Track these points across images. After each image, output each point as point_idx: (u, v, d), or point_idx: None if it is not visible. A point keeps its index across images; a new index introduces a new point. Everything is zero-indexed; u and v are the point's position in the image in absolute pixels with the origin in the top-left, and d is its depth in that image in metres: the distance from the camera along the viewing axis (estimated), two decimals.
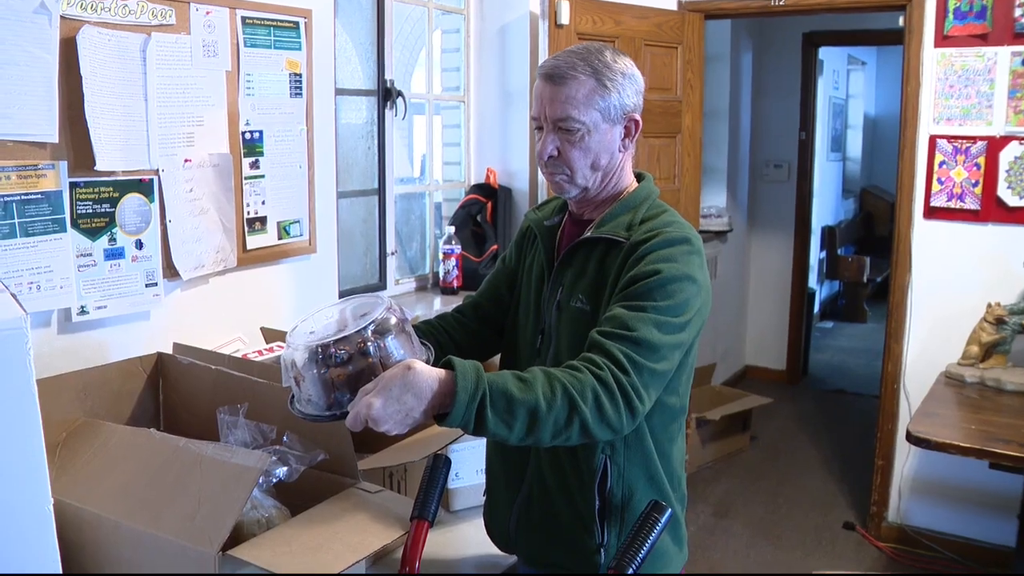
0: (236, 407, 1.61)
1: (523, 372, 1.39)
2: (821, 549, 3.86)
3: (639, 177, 1.70)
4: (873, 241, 8.94)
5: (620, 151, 1.62)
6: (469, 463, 2.11)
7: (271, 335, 2.32)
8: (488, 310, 1.81)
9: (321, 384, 1.36)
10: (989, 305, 3.43)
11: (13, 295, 1.32)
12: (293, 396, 1.46)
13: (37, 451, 1.21)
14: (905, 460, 3.81)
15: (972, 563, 3.59)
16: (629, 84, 1.59)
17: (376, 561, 1.69)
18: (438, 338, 1.74)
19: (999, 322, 3.40)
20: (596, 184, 1.62)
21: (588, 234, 1.61)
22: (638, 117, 1.63)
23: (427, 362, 1.40)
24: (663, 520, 1.38)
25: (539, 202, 3.54)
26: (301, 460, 1.58)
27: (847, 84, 8.77)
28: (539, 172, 3.53)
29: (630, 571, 1.34)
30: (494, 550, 1.91)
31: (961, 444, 2.77)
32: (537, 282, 1.70)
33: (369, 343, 1.35)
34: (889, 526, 3.89)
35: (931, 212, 3.67)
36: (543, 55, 3.45)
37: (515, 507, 1.70)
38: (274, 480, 1.55)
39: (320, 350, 1.35)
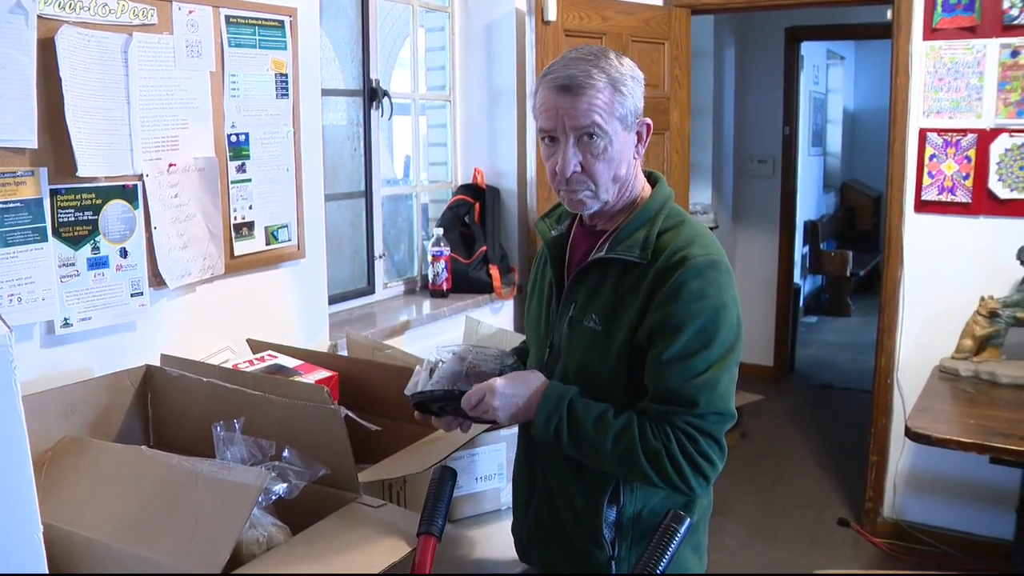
0: (232, 422, 1.54)
1: (610, 410, 1.49)
2: (817, 547, 3.83)
3: (650, 177, 1.64)
4: (855, 235, 8.96)
5: (635, 158, 1.57)
6: (468, 472, 2.06)
7: (258, 346, 2.25)
8: None
9: (456, 373, 1.60)
10: (982, 298, 3.41)
11: None
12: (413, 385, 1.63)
13: (25, 476, 1.15)
14: (900, 455, 3.78)
15: (969, 557, 3.57)
16: (638, 87, 1.54)
17: None
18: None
19: (992, 315, 3.38)
20: (614, 196, 1.56)
21: (602, 254, 1.55)
22: (649, 120, 1.59)
23: None
24: (682, 531, 1.33)
25: (530, 200, 3.50)
26: (301, 476, 1.52)
27: (827, 79, 8.77)
28: (528, 172, 3.49)
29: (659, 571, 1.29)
30: (497, 556, 1.87)
31: (962, 439, 2.75)
32: (548, 295, 1.67)
33: (504, 363, 1.63)
34: (885, 522, 3.86)
35: (922, 206, 3.65)
36: (530, 52, 3.40)
37: (527, 520, 1.65)
38: (273, 497, 1.49)
39: (473, 349, 1.65)
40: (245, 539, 1.48)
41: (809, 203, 8.06)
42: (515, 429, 2.02)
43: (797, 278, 6.77)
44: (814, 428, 5.23)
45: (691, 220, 1.58)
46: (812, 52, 7.69)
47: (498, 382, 1.52)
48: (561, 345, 1.61)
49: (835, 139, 9.25)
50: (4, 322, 1.18)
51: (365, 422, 1.74)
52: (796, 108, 6.15)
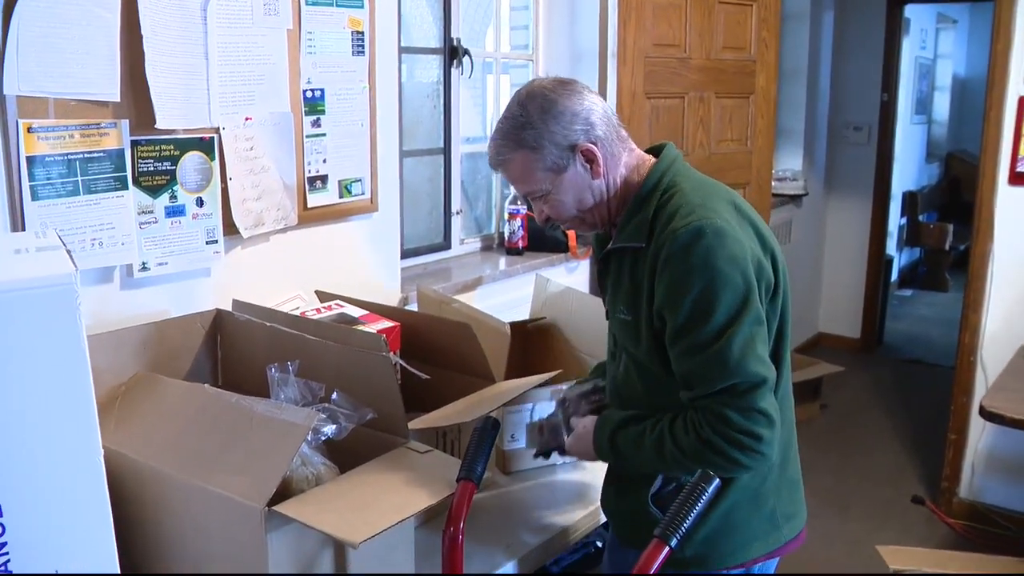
0: (287, 364, 1.62)
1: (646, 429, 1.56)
2: (890, 523, 3.78)
3: (656, 152, 1.64)
4: (958, 207, 8.63)
5: (596, 177, 1.57)
6: (523, 426, 2.11)
7: (325, 296, 2.34)
8: None
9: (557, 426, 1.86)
10: None
11: (68, 251, 1.33)
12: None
13: (87, 404, 1.23)
14: (980, 435, 3.70)
15: None
16: (554, 122, 1.52)
17: (423, 522, 1.71)
18: None
19: None
20: (605, 210, 1.61)
21: (611, 245, 1.61)
22: (586, 144, 1.54)
23: None
24: (710, 490, 1.35)
25: None
26: (349, 418, 1.58)
27: (935, 43, 8.44)
28: None
29: (673, 542, 1.32)
30: (544, 514, 1.92)
31: None
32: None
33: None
34: (960, 502, 3.79)
35: (1017, 178, 3.53)
36: (612, 13, 3.39)
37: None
38: (323, 438, 1.56)
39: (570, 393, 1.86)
40: (295, 476, 1.55)
41: (909, 173, 7.82)
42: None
43: (891, 249, 6.59)
44: (896, 403, 5.12)
45: (683, 184, 1.55)
46: (920, 15, 7.42)
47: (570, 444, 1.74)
48: (615, 336, 1.68)
49: (942, 107, 8.92)
50: (72, 260, 1.27)
51: (415, 370, 1.80)
52: (896, 74, 5.95)
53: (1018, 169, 3.51)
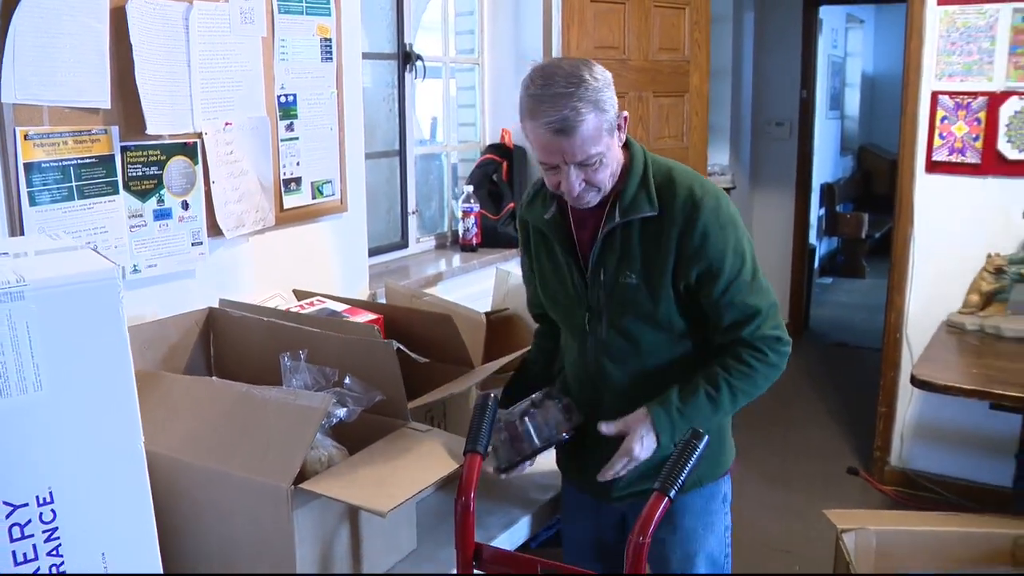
0: (298, 353, 1.71)
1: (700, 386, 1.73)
2: (829, 493, 4.00)
3: None
4: (871, 198, 9.05)
5: (619, 147, 1.72)
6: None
7: (302, 295, 2.42)
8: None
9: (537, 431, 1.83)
10: (989, 256, 3.56)
11: (94, 249, 1.41)
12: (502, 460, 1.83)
13: (130, 392, 1.29)
14: (907, 406, 3.95)
15: (971, 503, 3.73)
16: (611, 90, 1.65)
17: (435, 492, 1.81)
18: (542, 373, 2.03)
19: (999, 272, 3.52)
20: (610, 184, 1.73)
21: (619, 219, 1.72)
22: (626, 113, 1.71)
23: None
24: (701, 446, 1.49)
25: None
26: (359, 401, 1.68)
27: (845, 42, 8.82)
28: None
29: (672, 493, 1.46)
30: (543, 481, 2.03)
31: (963, 386, 2.91)
32: (568, 271, 1.81)
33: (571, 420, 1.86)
34: (892, 470, 4.04)
35: (933, 166, 3.78)
36: (556, 17, 3.53)
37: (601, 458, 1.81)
38: (335, 421, 1.66)
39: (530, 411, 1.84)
40: (309, 458, 1.64)
41: (826, 166, 8.16)
42: None
43: (812, 239, 6.90)
44: (827, 384, 5.40)
45: (668, 162, 1.77)
46: (831, 15, 7.75)
47: (633, 446, 1.71)
48: (601, 305, 1.77)
49: (853, 102, 9.32)
50: (107, 258, 1.35)
51: (414, 354, 1.91)
52: (814, 71, 6.24)
53: (934, 158, 3.77)
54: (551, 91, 1.60)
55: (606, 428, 1.75)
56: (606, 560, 1.95)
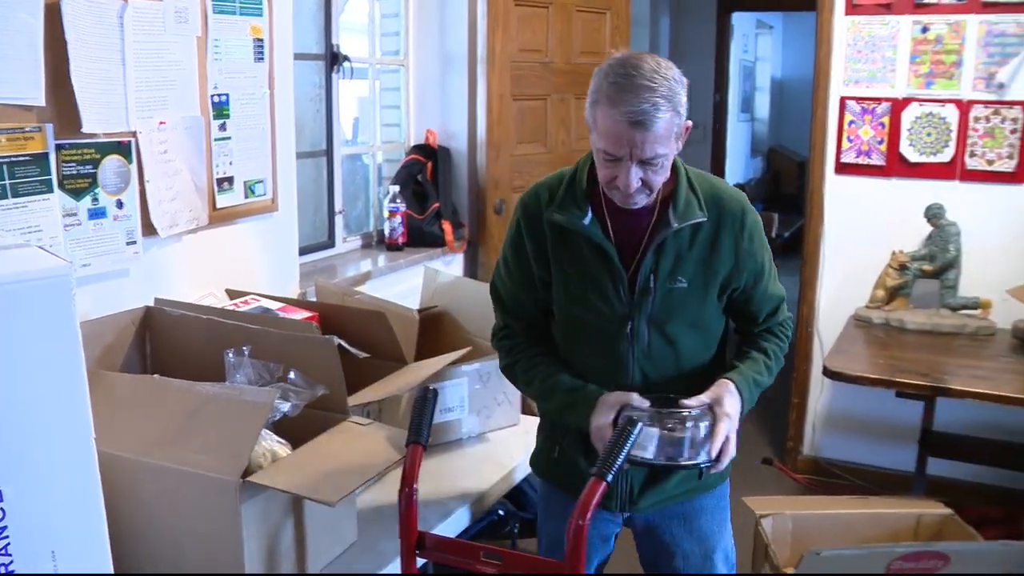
0: (242, 349, 1.74)
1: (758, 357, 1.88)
2: (746, 483, 4.11)
3: None
4: (781, 198, 9.34)
5: (677, 153, 1.73)
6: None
7: (235, 294, 2.44)
8: (539, 318, 1.94)
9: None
10: (893, 253, 3.74)
11: (41, 247, 1.42)
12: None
13: (81, 390, 1.29)
14: (819, 398, 4.13)
15: (878, 487, 3.91)
16: (685, 94, 1.66)
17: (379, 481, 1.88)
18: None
19: (902, 268, 3.71)
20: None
21: (676, 225, 1.73)
22: (690, 122, 1.71)
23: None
24: (635, 433, 1.57)
25: (480, 160, 3.71)
26: (302, 396, 1.72)
27: (756, 47, 9.10)
28: (477, 134, 3.70)
29: (608, 477, 1.54)
30: (479, 470, 2.09)
31: (871, 376, 3.08)
32: (608, 277, 1.78)
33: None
34: (804, 459, 4.22)
35: (841, 168, 3.96)
36: (481, 20, 3.59)
37: (636, 473, 1.89)
38: (278, 416, 1.69)
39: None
40: (252, 454, 1.67)
41: (737, 167, 8.41)
42: (477, 364, 2.25)
43: None
44: None
45: (697, 169, 1.84)
46: (742, 22, 7.99)
47: (728, 427, 1.74)
48: (646, 308, 1.78)
49: (763, 106, 9.61)
50: (56, 255, 1.36)
51: (354, 349, 1.95)
52: (726, 76, 6.45)
53: (842, 160, 3.94)
54: (636, 82, 1.58)
55: (696, 400, 1.77)
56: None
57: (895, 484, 3.85)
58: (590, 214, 1.76)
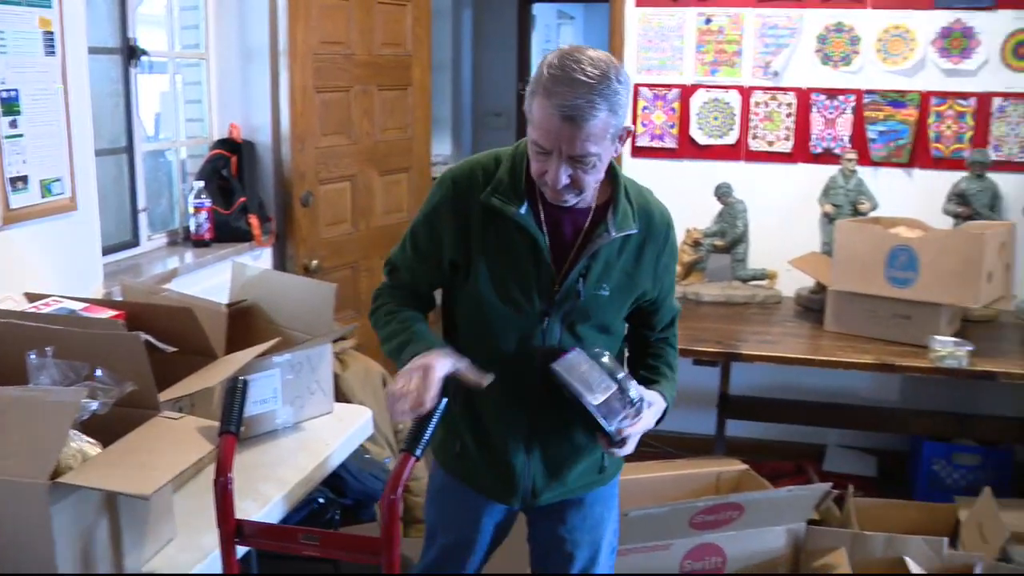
0: (44, 350, 1.70)
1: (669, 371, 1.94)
2: None
3: None
4: None
5: (612, 157, 1.70)
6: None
7: (35, 297, 2.36)
8: (427, 293, 1.99)
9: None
10: (687, 230, 3.99)
11: None
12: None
13: None
14: None
15: (683, 451, 4.17)
16: (628, 96, 1.63)
17: (196, 472, 1.89)
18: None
19: (696, 244, 3.97)
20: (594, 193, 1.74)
21: (614, 235, 1.74)
22: (631, 126, 1.69)
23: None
24: (440, 409, 1.66)
25: (284, 153, 3.70)
26: (110, 393, 1.70)
27: (558, 37, 9.38)
28: (281, 127, 3.70)
29: (418, 452, 1.62)
30: (293, 460, 2.12)
31: None
32: (534, 271, 1.78)
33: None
34: None
35: (637, 151, 4.19)
36: (282, 11, 3.58)
37: (531, 465, 1.92)
38: (87, 415, 1.66)
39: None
40: (62, 455, 1.65)
41: None
42: (289, 355, 2.27)
43: None
44: None
45: (629, 177, 1.84)
46: (544, 12, 8.23)
47: (644, 426, 1.74)
48: (565, 310, 1.79)
49: None
50: None
51: (162, 345, 1.94)
52: (529, 65, 6.63)
53: (638, 144, 4.17)
54: (573, 76, 1.56)
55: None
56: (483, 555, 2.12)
57: (698, 447, 4.11)
58: (526, 205, 1.74)
